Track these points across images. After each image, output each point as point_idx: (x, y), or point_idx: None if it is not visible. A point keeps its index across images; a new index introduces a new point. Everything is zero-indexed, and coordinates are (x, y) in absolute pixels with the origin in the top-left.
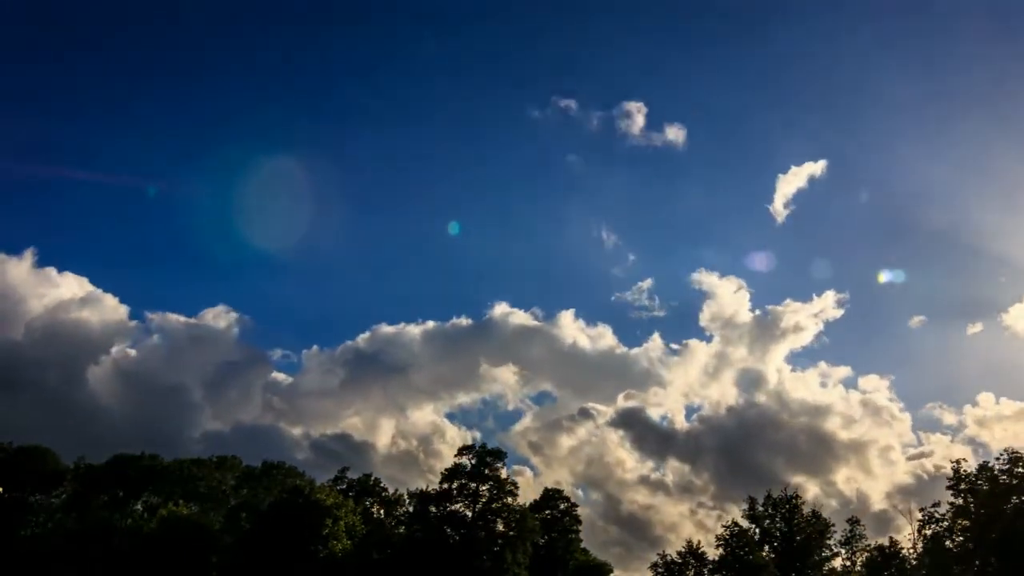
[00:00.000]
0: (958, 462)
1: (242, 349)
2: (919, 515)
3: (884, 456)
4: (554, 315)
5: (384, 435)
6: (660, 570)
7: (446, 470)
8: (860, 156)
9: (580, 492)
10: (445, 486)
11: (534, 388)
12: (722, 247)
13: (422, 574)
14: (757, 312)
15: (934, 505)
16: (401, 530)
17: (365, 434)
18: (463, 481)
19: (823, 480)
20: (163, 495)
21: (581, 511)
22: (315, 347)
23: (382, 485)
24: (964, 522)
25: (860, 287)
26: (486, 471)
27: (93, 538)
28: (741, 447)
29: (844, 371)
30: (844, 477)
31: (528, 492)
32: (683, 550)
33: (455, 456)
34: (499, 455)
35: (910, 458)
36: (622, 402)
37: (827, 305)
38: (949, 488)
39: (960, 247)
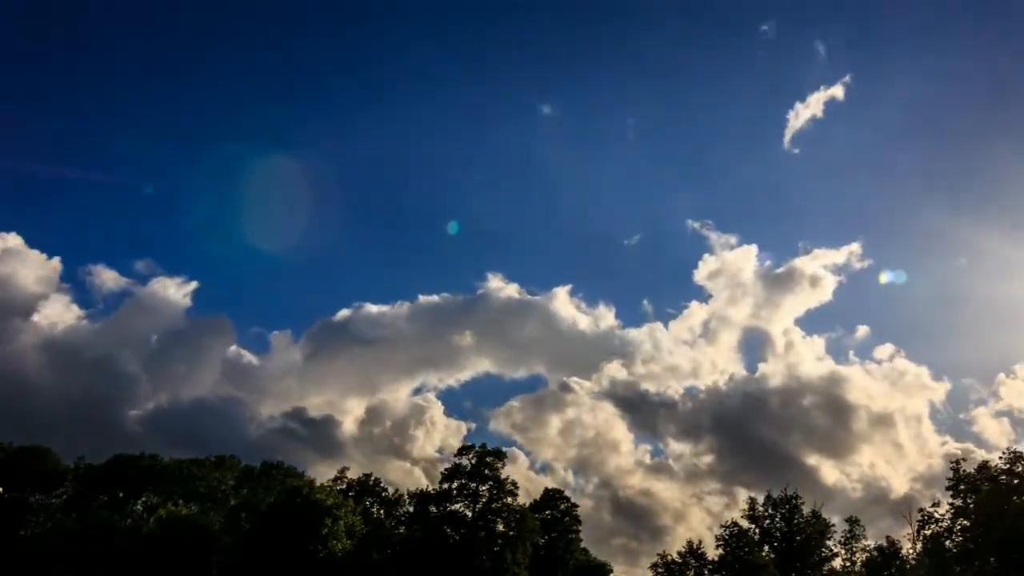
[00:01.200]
0: (957, 462)
1: (199, 320)
2: (918, 515)
3: (912, 433)
4: (547, 289)
5: (353, 415)
6: (660, 570)
7: (446, 470)
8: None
9: (571, 475)
10: (445, 486)
11: (522, 366)
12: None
13: (422, 574)
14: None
15: (934, 505)
16: (401, 530)
17: (332, 413)
18: (463, 481)
19: (843, 460)
20: (163, 495)
21: (577, 498)
22: (288, 330)
23: (382, 485)
24: (964, 522)
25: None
26: (486, 471)
27: (93, 538)
28: (747, 423)
29: (863, 332)
30: (867, 459)
31: (517, 473)
32: (683, 550)
33: (455, 456)
34: (499, 455)
35: (943, 435)
36: (614, 372)
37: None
38: (949, 488)
39: None
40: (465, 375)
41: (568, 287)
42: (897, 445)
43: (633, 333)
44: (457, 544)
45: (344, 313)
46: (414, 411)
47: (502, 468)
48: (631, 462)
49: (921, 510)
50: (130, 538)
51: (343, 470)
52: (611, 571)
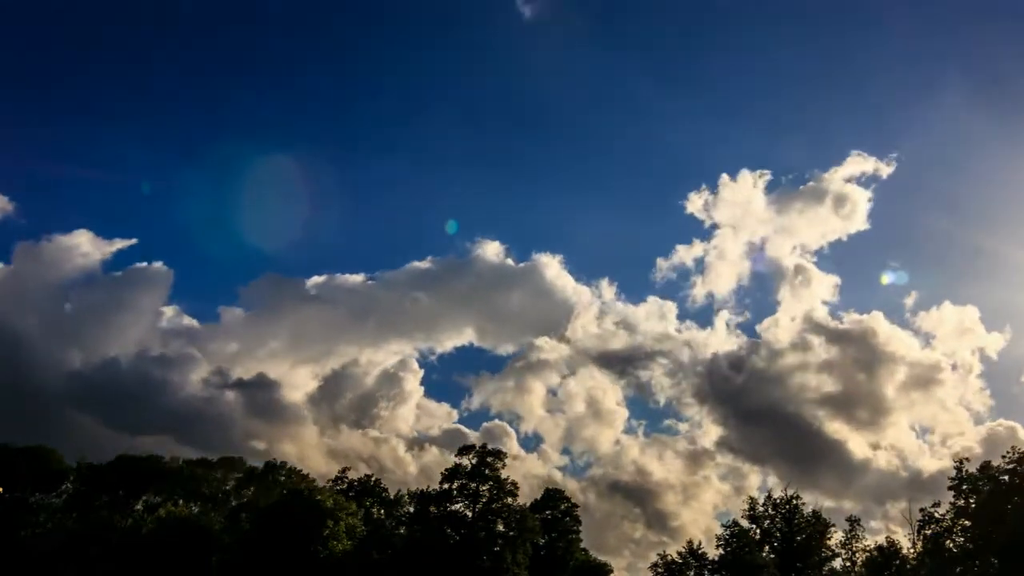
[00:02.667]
0: (961, 462)
1: (131, 275)
2: (919, 515)
3: (958, 395)
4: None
5: (309, 383)
6: (660, 570)
7: (446, 470)
8: None
9: (566, 457)
10: (445, 486)
11: (505, 335)
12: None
13: (422, 574)
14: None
15: (934, 505)
16: (401, 531)
17: (281, 378)
18: (463, 481)
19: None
20: (164, 495)
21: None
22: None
23: (382, 486)
24: (965, 522)
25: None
26: (486, 471)
27: (94, 538)
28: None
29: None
30: (903, 430)
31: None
32: (683, 550)
33: (455, 456)
34: (499, 455)
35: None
36: (606, 338)
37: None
38: (950, 488)
39: None
40: (448, 345)
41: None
42: (940, 410)
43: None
44: (457, 544)
45: (314, 280)
46: (388, 380)
47: (502, 468)
48: (626, 436)
49: (922, 510)
50: (131, 538)
51: (343, 471)
52: (611, 571)
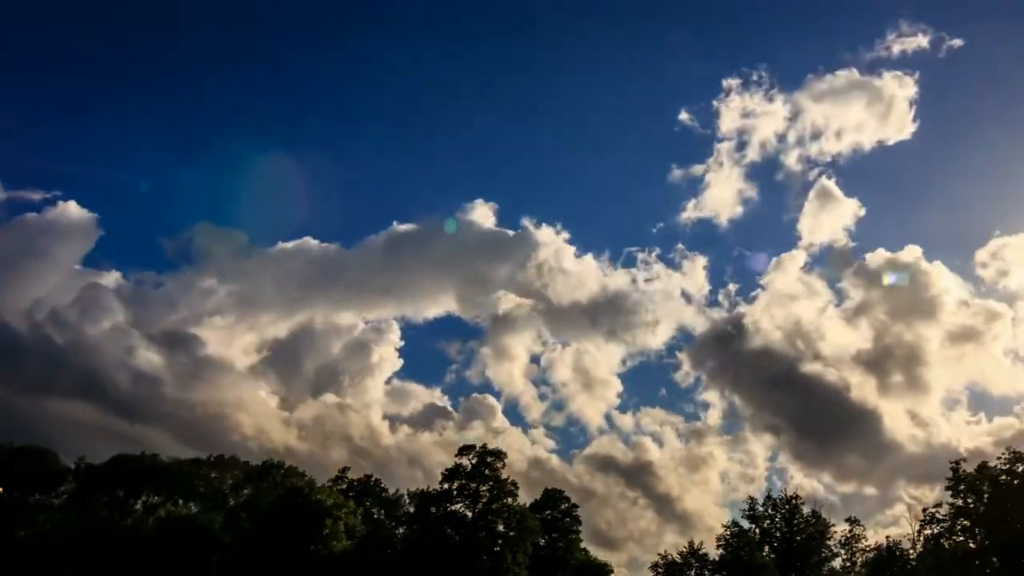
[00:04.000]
0: (958, 462)
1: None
2: (920, 515)
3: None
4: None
5: (244, 350)
6: (660, 570)
7: (446, 470)
8: None
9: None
10: (445, 486)
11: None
12: None
13: (422, 574)
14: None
15: (936, 506)
16: (401, 530)
17: (223, 341)
18: (463, 481)
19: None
20: (163, 495)
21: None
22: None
23: (383, 485)
24: (964, 522)
25: None
26: (486, 471)
27: (93, 538)
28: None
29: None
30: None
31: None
32: (683, 550)
33: (455, 456)
34: (499, 455)
35: None
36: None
37: None
38: (948, 489)
39: None
40: (429, 313)
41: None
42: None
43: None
44: (457, 544)
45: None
46: (357, 348)
47: (502, 468)
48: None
49: (924, 510)
50: (130, 538)
51: (343, 470)
52: (611, 571)
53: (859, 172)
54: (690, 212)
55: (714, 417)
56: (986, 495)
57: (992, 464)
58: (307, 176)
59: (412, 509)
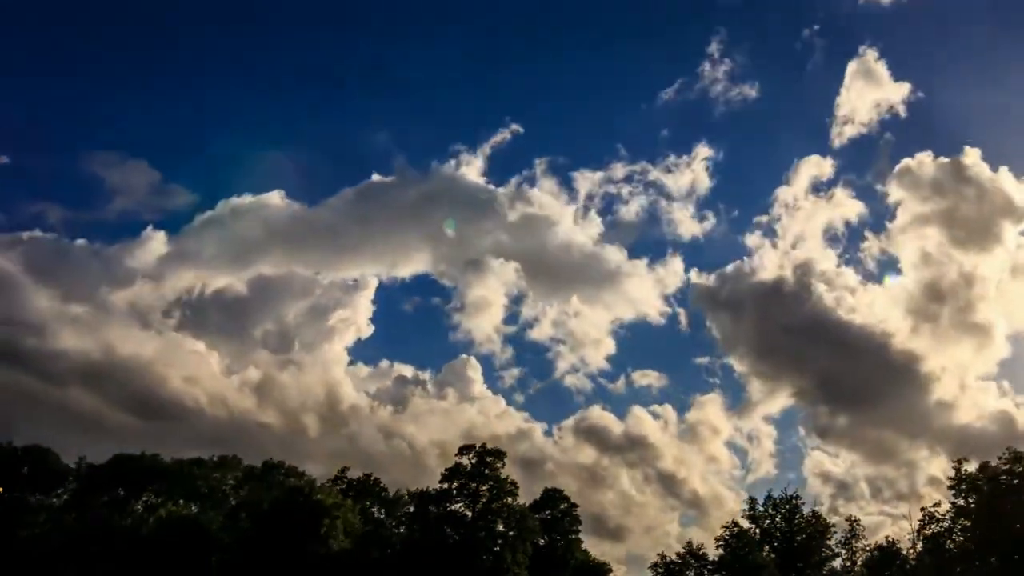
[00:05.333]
0: (959, 461)
1: None
2: (919, 515)
3: None
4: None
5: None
6: (660, 570)
7: (446, 470)
8: None
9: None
10: (445, 486)
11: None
12: None
13: (422, 574)
14: None
15: (935, 505)
16: (401, 530)
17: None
18: (463, 481)
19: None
20: (163, 495)
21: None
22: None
23: (382, 485)
24: (965, 522)
25: None
26: (486, 471)
27: (93, 538)
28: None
29: None
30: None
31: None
32: (683, 550)
33: (455, 455)
34: (499, 455)
35: None
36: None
37: None
38: (950, 488)
39: None
40: (403, 272)
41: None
42: None
43: None
44: (457, 544)
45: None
46: (322, 306)
47: (502, 468)
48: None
49: (923, 510)
50: (130, 538)
51: (343, 470)
52: (610, 571)
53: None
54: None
55: (724, 381)
56: (986, 495)
57: (993, 464)
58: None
59: (412, 509)
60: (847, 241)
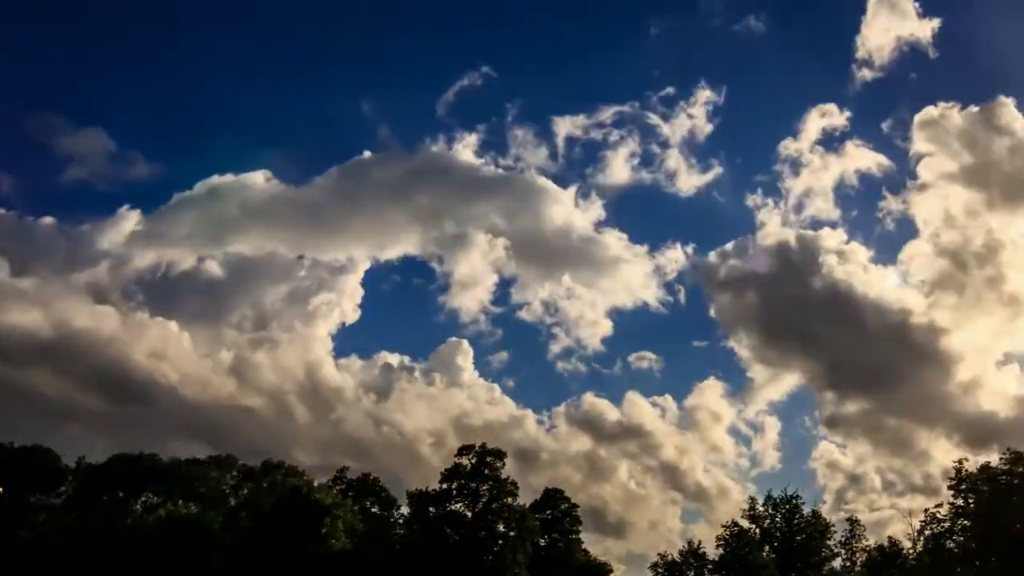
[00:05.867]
0: (960, 462)
1: None
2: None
3: None
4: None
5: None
6: (660, 570)
7: (446, 470)
8: None
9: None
10: (444, 486)
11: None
12: None
13: (422, 574)
14: None
15: (937, 506)
16: (401, 530)
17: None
18: (463, 481)
19: None
20: (163, 495)
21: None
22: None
23: (382, 484)
24: (965, 522)
25: None
26: (486, 471)
27: (93, 538)
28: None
29: None
30: None
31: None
32: (683, 550)
33: (455, 456)
34: (499, 455)
35: None
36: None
37: None
38: (950, 488)
39: None
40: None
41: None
42: None
43: None
44: (457, 544)
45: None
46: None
47: (502, 468)
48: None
49: (925, 510)
50: (130, 538)
51: (343, 470)
52: (611, 571)
53: None
54: None
55: (724, 365)
56: (986, 495)
57: (993, 464)
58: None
59: (411, 509)
60: (862, 202)
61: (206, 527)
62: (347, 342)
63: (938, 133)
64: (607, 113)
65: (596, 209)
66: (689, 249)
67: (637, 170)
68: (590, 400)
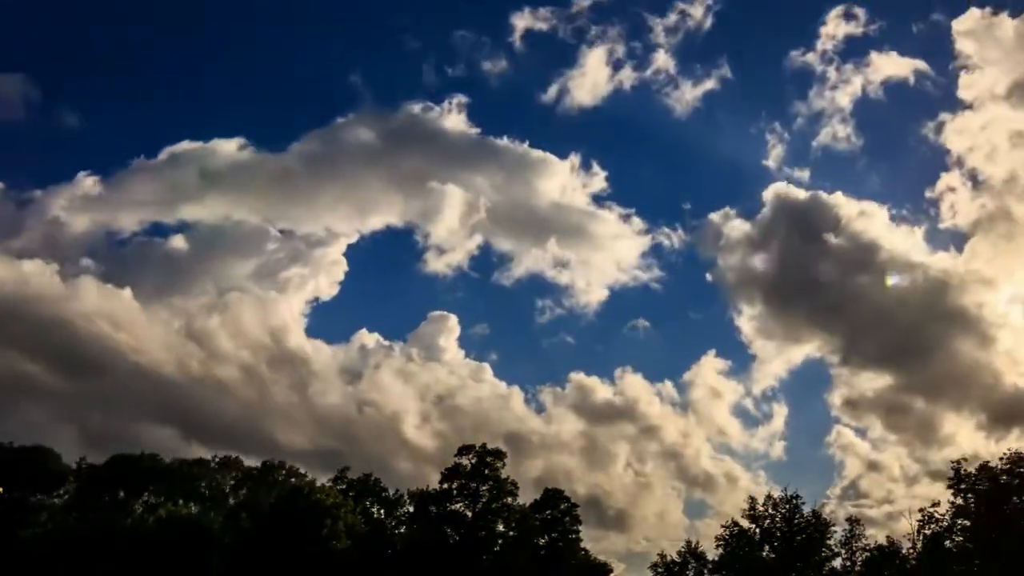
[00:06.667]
0: (958, 462)
1: None
2: (918, 515)
3: None
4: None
5: None
6: (660, 570)
7: (446, 470)
8: None
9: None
10: (445, 486)
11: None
12: None
13: (422, 574)
14: None
15: (934, 505)
16: (401, 530)
17: None
18: (463, 481)
19: None
20: (163, 495)
21: None
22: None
23: (382, 485)
24: (964, 522)
25: None
26: (486, 471)
27: (93, 539)
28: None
29: None
30: None
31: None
32: (683, 550)
33: (455, 456)
34: (499, 455)
35: None
36: None
37: None
38: (949, 487)
39: None
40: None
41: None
42: None
43: None
44: (457, 544)
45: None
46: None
47: (502, 468)
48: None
49: (921, 510)
50: (130, 538)
51: (343, 470)
52: (611, 571)
53: None
54: None
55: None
56: (986, 495)
57: (992, 464)
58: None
59: (412, 509)
60: (886, 127)
61: (206, 527)
62: (323, 318)
63: (982, 43)
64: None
65: (594, 181)
66: (687, 207)
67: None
68: (579, 379)
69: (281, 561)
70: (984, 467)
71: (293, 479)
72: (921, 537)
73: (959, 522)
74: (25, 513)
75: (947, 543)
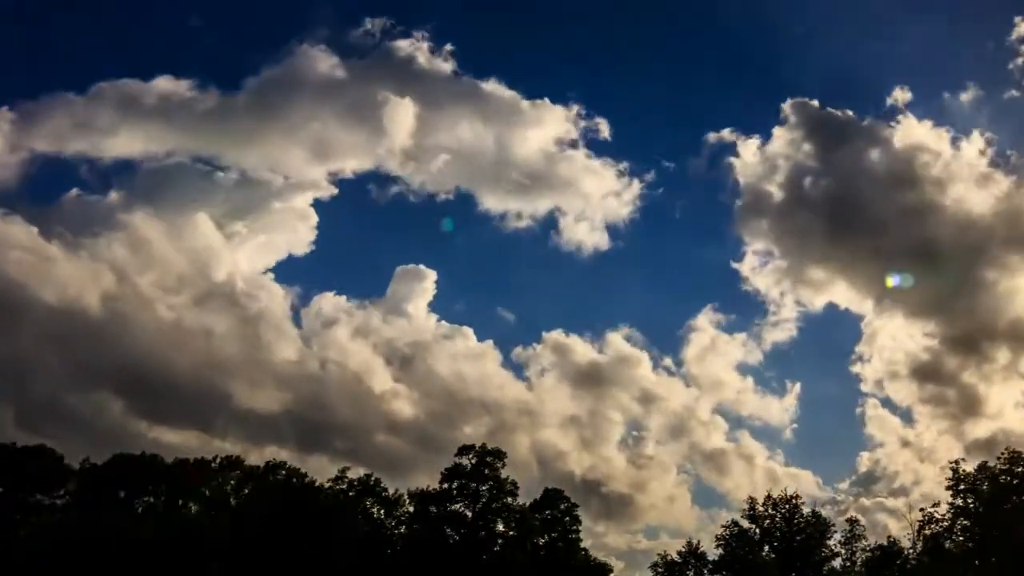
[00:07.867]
0: (957, 462)
1: None
2: (919, 515)
3: None
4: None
5: None
6: (660, 570)
7: (446, 470)
8: None
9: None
10: (445, 486)
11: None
12: None
13: (422, 574)
14: None
15: (934, 505)
16: (401, 530)
17: None
18: (463, 481)
19: None
20: (164, 496)
21: None
22: None
23: (382, 485)
24: (964, 522)
25: None
26: (486, 471)
27: (94, 539)
28: None
29: None
30: None
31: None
32: (683, 549)
33: (455, 456)
34: (500, 455)
35: None
36: None
37: None
38: (948, 488)
39: None
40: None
41: None
42: None
43: None
44: (457, 544)
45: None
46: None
47: (502, 467)
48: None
49: (922, 510)
50: (131, 539)
51: (343, 470)
52: (611, 571)
53: None
54: None
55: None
56: (986, 495)
57: (992, 464)
58: None
59: (412, 509)
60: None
61: (206, 528)
62: (290, 269)
63: None
64: None
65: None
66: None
67: None
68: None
69: (281, 562)
70: (983, 467)
71: (294, 479)
72: (921, 537)
73: (959, 522)
74: (26, 513)
75: (947, 543)
